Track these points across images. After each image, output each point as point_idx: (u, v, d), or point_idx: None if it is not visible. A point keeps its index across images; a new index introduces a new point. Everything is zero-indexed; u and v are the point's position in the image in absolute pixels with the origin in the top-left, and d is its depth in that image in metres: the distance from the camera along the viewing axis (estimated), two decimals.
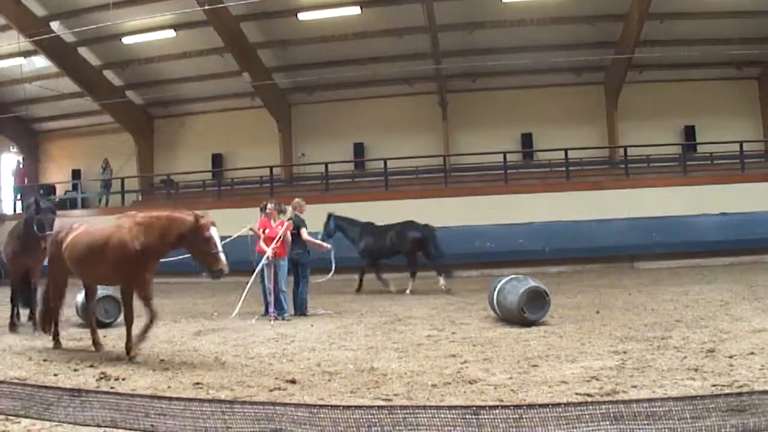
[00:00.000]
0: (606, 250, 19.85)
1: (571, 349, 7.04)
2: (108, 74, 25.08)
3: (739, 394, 2.47)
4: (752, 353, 6.31)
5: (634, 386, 5.27)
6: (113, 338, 8.95)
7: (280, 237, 10.97)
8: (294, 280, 11.66)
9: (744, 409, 2.40)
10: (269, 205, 11.52)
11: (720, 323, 8.30)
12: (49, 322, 8.39)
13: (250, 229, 11.66)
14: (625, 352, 6.69)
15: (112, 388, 5.78)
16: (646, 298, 11.66)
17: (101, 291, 10.35)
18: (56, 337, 8.28)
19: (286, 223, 11.28)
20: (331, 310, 11.79)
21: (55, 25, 21.84)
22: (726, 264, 18.58)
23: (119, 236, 7.37)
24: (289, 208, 11.82)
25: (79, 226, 8.08)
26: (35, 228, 9.01)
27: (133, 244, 7.25)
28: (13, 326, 9.81)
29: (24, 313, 10.35)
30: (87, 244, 7.67)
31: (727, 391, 4.94)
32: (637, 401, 2.49)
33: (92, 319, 8.41)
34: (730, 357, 6.20)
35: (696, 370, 5.75)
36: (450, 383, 5.65)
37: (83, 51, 23.72)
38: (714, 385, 5.18)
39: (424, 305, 12.11)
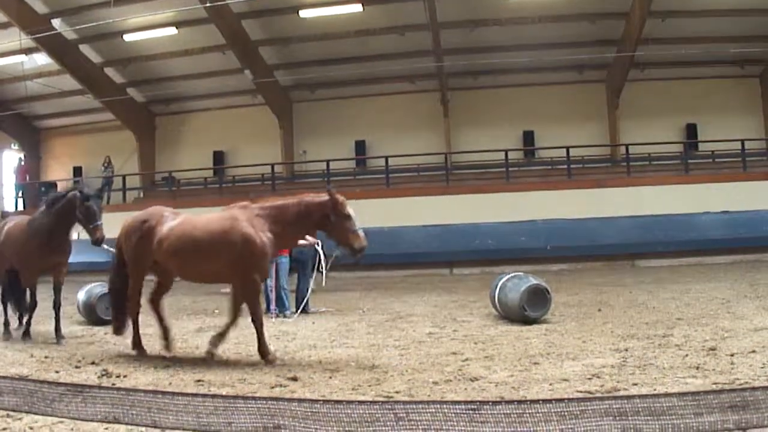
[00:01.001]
0: (607, 248, 19.86)
1: (573, 346, 7.04)
2: (109, 71, 25.12)
3: (743, 389, 2.47)
4: (753, 351, 6.30)
5: (635, 384, 5.27)
6: (114, 335, 8.95)
7: None
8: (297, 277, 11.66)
9: (747, 405, 2.40)
10: None
11: (721, 321, 8.29)
12: (125, 324, 7.58)
13: None
14: (626, 350, 6.69)
15: (113, 385, 5.78)
16: (648, 296, 11.65)
17: (102, 288, 10.35)
18: (139, 343, 7.48)
19: None
20: (333, 307, 11.79)
21: (56, 23, 21.88)
22: (727, 262, 18.58)
23: (242, 229, 6.80)
24: None
25: (173, 216, 7.31)
26: (84, 217, 7.99)
27: (259, 236, 6.80)
28: (8, 333, 8.84)
29: None
30: (197, 238, 6.96)
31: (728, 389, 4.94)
32: (641, 397, 2.49)
33: (162, 316, 7.62)
34: (732, 355, 6.19)
35: (697, 368, 5.75)
36: (451, 381, 5.66)
37: (84, 48, 23.74)
38: (715, 383, 5.18)
39: (425, 303, 12.12)
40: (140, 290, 7.48)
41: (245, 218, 6.90)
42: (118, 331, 7.63)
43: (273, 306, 10.86)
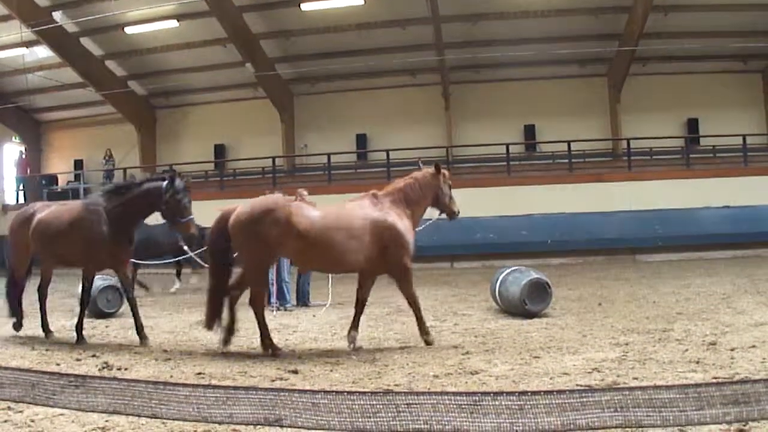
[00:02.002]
0: (608, 243, 19.89)
1: (573, 340, 7.05)
2: (110, 64, 25.07)
3: (743, 382, 2.47)
4: (754, 346, 6.31)
5: (636, 378, 5.28)
6: (115, 328, 8.97)
7: None
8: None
9: (748, 398, 2.40)
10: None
11: (721, 316, 8.30)
12: (216, 319, 7.10)
13: None
14: (626, 344, 6.70)
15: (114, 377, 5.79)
16: (648, 290, 11.67)
17: (102, 281, 10.33)
18: (270, 342, 6.99)
19: None
20: (334, 300, 11.78)
21: (57, 15, 21.83)
22: (728, 257, 18.59)
23: (384, 217, 7.03)
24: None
25: (305, 206, 7.13)
26: (174, 211, 7.51)
27: (402, 222, 7.08)
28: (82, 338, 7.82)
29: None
30: (344, 231, 6.91)
31: None
32: (642, 388, 2.49)
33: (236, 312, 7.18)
34: (732, 350, 6.20)
35: (697, 362, 5.75)
36: (451, 374, 5.66)
37: (85, 41, 23.69)
38: (715, 378, 5.18)
39: (426, 297, 12.10)
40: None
41: (383, 207, 7.13)
42: (210, 326, 7.16)
43: (274, 299, 10.87)
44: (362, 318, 9.44)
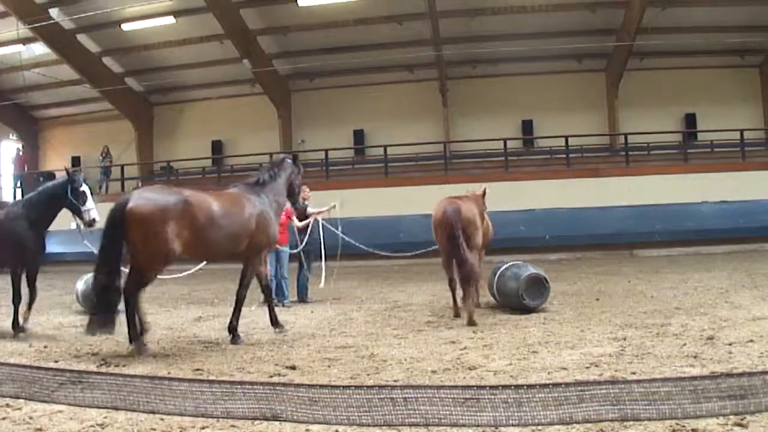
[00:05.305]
0: (606, 238, 19.89)
1: (571, 335, 7.05)
2: (107, 61, 25.04)
3: (740, 375, 2.48)
4: (751, 341, 6.32)
5: (633, 373, 5.28)
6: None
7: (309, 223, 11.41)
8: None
9: (745, 391, 2.40)
10: None
11: (719, 311, 8.31)
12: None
13: None
14: (624, 339, 6.70)
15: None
16: (646, 285, 11.68)
17: None
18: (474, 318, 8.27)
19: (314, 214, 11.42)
20: (332, 296, 11.78)
21: (54, 12, 21.78)
22: (726, 252, 18.60)
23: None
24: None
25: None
26: (299, 182, 8.64)
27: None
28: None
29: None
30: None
31: None
32: (639, 382, 2.49)
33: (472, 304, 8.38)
34: (729, 344, 6.20)
35: (695, 357, 5.75)
36: (449, 369, 5.66)
37: (82, 38, 23.65)
38: (713, 373, 5.18)
39: (424, 292, 12.13)
40: None
41: (479, 202, 9.37)
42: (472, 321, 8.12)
43: (273, 295, 10.84)
44: (360, 314, 9.51)
